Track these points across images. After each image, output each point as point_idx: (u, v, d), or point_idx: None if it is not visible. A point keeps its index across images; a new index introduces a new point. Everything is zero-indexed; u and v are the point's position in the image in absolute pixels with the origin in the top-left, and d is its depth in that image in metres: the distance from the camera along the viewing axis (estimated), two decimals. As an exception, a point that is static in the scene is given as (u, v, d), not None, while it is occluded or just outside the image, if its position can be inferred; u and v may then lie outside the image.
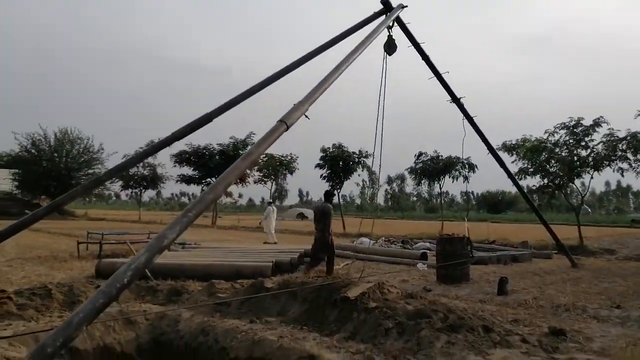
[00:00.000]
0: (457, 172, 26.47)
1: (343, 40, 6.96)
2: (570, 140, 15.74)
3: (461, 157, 25.13)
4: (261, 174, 36.65)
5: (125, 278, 2.77)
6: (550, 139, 16.18)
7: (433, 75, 9.05)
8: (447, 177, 26.90)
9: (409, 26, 8.16)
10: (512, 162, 16.73)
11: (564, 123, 15.79)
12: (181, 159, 34.19)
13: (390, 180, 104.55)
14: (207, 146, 34.05)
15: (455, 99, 9.53)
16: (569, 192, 18.83)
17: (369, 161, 32.12)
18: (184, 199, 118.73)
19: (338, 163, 32.19)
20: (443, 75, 9.14)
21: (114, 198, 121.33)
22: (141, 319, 5.41)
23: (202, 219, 34.25)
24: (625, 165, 15.22)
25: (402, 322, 4.58)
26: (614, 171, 15.55)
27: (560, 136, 15.97)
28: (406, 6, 7.69)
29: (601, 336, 4.98)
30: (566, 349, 4.28)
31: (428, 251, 12.90)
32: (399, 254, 12.96)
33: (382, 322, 4.61)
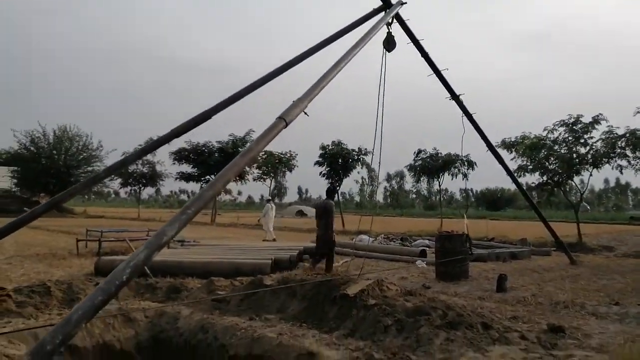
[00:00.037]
0: (456, 170, 26.48)
1: (342, 37, 6.95)
2: (570, 138, 15.75)
3: (460, 154, 25.14)
4: (260, 172, 36.66)
5: (124, 275, 2.77)
6: (549, 136, 16.20)
7: (432, 72, 9.05)
8: (446, 174, 26.91)
9: (408, 23, 8.16)
10: (511, 159, 16.77)
11: (563, 120, 15.80)
12: (180, 156, 34.18)
13: (389, 178, 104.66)
14: (206, 143, 34.03)
15: (455, 96, 9.53)
16: (567, 189, 18.86)
17: (368, 158, 32.20)
18: (183, 197, 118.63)
19: (337, 160, 32.19)
20: (442, 72, 9.15)
21: (113, 195, 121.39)
22: (140, 317, 5.41)
23: (202, 217, 34.23)
24: (624, 163, 15.25)
25: (401, 319, 4.59)
26: (612, 168, 15.60)
27: (560, 133, 15.99)
28: (405, 2, 7.68)
29: (600, 333, 4.99)
30: (565, 346, 4.29)
31: (427, 248, 12.91)
32: (398, 252, 12.98)
33: (381, 319, 4.62)
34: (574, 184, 17.35)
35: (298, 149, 41.40)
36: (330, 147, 32.52)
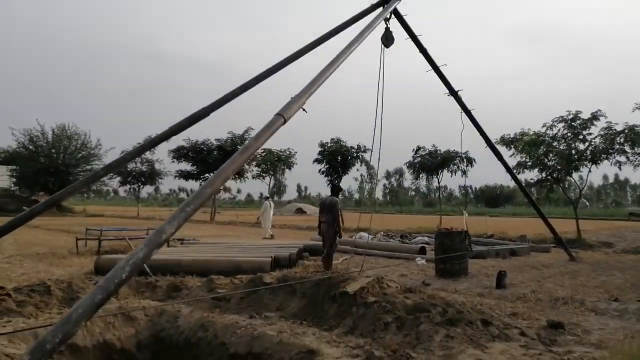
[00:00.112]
0: (455, 167, 26.49)
1: (340, 33, 6.94)
2: (569, 134, 15.74)
3: (459, 151, 25.13)
4: (259, 169, 36.67)
5: (124, 273, 2.77)
6: (548, 132, 16.19)
7: (431, 68, 9.04)
8: (445, 171, 26.92)
9: (406, 18, 8.14)
10: (510, 155, 16.76)
11: (562, 116, 15.79)
12: (179, 154, 34.18)
13: (388, 175, 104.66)
14: (205, 141, 34.03)
15: (453, 92, 9.52)
16: (567, 185, 18.88)
17: (367, 156, 32.26)
18: (183, 195, 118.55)
19: (336, 158, 32.23)
20: (441, 68, 9.13)
21: (112, 194, 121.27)
22: (141, 315, 5.41)
23: (201, 215, 34.24)
24: (623, 159, 15.25)
25: (401, 317, 4.59)
26: (611, 164, 15.59)
27: (558, 130, 15.98)
28: (403, -3, 7.67)
29: (599, 329, 5.01)
30: (564, 342, 4.30)
31: (426, 245, 12.92)
32: (397, 249, 12.99)
33: (381, 317, 4.62)
34: (573, 180, 17.40)
35: (297, 147, 41.41)
36: (329, 145, 32.56)
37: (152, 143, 6.88)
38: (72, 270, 9.29)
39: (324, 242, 9.25)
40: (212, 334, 4.85)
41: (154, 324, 5.35)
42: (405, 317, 4.57)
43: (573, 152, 15.61)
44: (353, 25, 6.99)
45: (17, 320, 5.00)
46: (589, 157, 15.44)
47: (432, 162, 26.61)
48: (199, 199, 3.39)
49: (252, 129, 33.05)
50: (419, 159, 27.41)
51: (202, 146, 33.89)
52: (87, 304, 2.60)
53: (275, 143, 38.75)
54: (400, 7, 7.87)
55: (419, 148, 27.60)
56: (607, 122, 15.10)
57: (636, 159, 15.15)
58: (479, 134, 10.28)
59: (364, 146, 31.92)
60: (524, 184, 13.99)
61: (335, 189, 9.73)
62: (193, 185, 37.84)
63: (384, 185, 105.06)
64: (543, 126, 16.27)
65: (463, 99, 9.65)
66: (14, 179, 41.41)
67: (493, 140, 11.30)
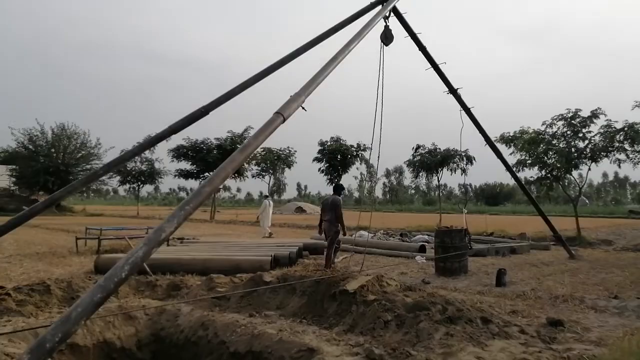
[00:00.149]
0: (455, 165, 26.49)
1: (340, 31, 6.93)
2: (568, 132, 15.74)
3: (459, 149, 25.11)
4: (259, 168, 36.68)
5: (123, 272, 2.76)
6: (548, 130, 16.18)
7: (430, 66, 9.03)
8: (445, 169, 26.92)
9: (405, 16, 8.13)
10: (510, 154, 16.76)
11: (562, 114, 15.77)
12: (179, 153, 34.17)
13: (388, 173, 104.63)
14: (204, 140, 34.01)
15: (452, 90, 9.52)
16: (566, 183, 18.87)
17: (367, 154, 32.26)
18: (182, 194, 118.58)
19: (336, 157, 32.22)
20: (440, 66, 9.13)
21: (112, 193, 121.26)
22: (141, 314, 5.41)
23: (201, 214, 34.25)
24: (622, 157, 15.24)
25: (401, 315, 4.59)
26: (611, 162, 15.58)
27: (558, 128, 15.97)
28: (402, -5, 7.67)
29: (599, 326, 5.01)
30: (564, 340, 4.30)
31: (426, 244, 12.93)
32: (397, 247, 12.99)
33: (381, 315, 4.62)
34: (572, 178, 17.37)
35: (297, 146, 41.40)
36: (329, 144, 32.56)
37: (152, 142, 6.87)
38: (72, 269, 9.29)
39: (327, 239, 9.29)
40: (212, 332, 4.86)
41: (154, 323, 5.35)
42: (405, 315, 4.57)
43: (573, 150, 15.61)
44: (352, 24, 6.98)
45: (17, 319, 5.00)
46: (589, 155, 15.44)
47: (431, 161, 26.60)
48: (198, 197, 3.38)
49: (252, 127, 33.06)
50: (418, 157, 27.40)
51: (202, 145, 33.89)
52: (86, 302, 2.60)
53: (275, 142, 38.78)
54: (400, 5, 7.87)
55: (418, 146, 27.58)
56: (607, 120, 15.11)
57: (636, 156, 15.15)
58: (478, 132, 10.29)
59: (364, 145, 31.93)
60: (523, 182, 13.99)
61: (338, 188, 9.76)
62: (193, 184, 37.86)
63: (384, 184, 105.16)
64: (543, 124, 16.27)
65: (462, 97, 9.65)
66: (14, 179, 41.37)
67: (493, 139, 11.31)
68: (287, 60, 6.69)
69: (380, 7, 7.14)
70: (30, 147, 39.56)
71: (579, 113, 15.46)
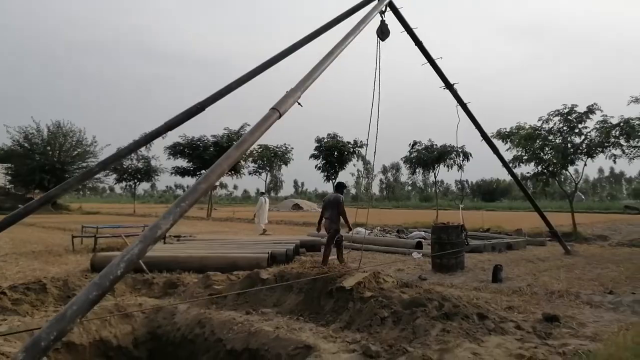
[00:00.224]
0: (451, 161, 26.51)
1: (336, 26, 6.91)
2: (564, 127, 15.76)
3: (455, 145, 25.10)
4: (256, 165, 36.63)
5: (119, 270, 2.76)
6: (544, 126, 16.20)
7: (426, 61, 9.02)
8: (441, 166, 26.94)
9: (401, 11, 8.11)
10: (507, 150, 16.78)
11: (558, 110, 15.80)
12: (175, 150, 34.06)
13: (385, 170, 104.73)
14: (201, 138, 33.92)
15: (449, 85, 9.52)
16: (562, 179, 18.90)
17: (363, 151, 32.26)
18: (179, 191, 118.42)
19: (333, 153, 32.21)
20: (436, 61, 9.12)
21: (108, 191, 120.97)
22: (137, 312, 5.40)
23: (198, 211, 34.21)
24: (618, 152, 15.28)
25: (398, 311, 4.60)
26: (607, 158, 15.62)
27: (554, 123, 16.00)
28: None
29: (594, 321, 5.03)
30: (560, 335, 4.32)
31: (423, 240, 12.94)
32: (394, 244, 13.00)
33: (378, 312, 4.62)
34: (568, 173, 17.40)
35: (294, 143, 41.37)
36: (325, 140, 32.54)
37: (148, 139, 6.83)
38: (68, 268, 9.26)
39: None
40: (209, 330, 4.85)
41: (150, 321, 5.34)
42: (401, 312, 4.58)
43: (569, 145, 15.64)
44: (349, 18, 6.96)
45: (13, 318, 4.99)
46: (585, 150, 15.47)
47: (428, 157, 26.59)
48: (194, 194, 3.37)
49: (248, 124, 32.98)
50: (415, 154, 27.39)
51: (198, 142, 33.79)
52: (81, 300, 2.59)
53: (271, 139, 38.75)
54: (396, 0, 7.85)
55: (415, 143, 27.57)
56: (603, 115, 15.15)
57: (631, 152, 15.19)
58: (475, 127, 10.29)
59: (360, 141, 31.93)
60: (520, 178, 14.02)
61: (340, 186, 9.83)
62: (189, 181, 37.80)
63: (381, 180, 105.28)
64: (539, 120, 16.30)
65: (459, 93, 9.65)
66: (9, 177, 41.20)
67: (489, 134, 11.31)
68: (283, 55, 6.67)
69: (376, 1, 7.13)
70: (26, 145, 39.37)
71: (575, 108, 15.49)
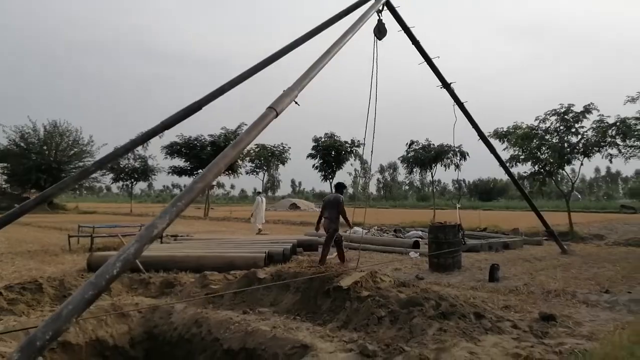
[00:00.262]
0: (448, 161, 26.57)
1: (333, 25, 6.89)
2: (561, 127, 15.80)
3: (452, 144, 25.18)
4: (253, 165, 36.60)
5: (115, 269, 2.74)
6: (541, 125, 16.24)
7: (423, 60, 9.02)
8: (438, 165, 27.00)
9: (399, 10, 8.10)
10: (504, 149, 16.82)
11: (555, 109, 15.84)
12: (172, 150, 33.98)
13: (382, 169, 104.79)
14: (198, 137, 33.85)
15: (446, 84, 9.52)
16: (559, 178, 18.97)
17: (360, 150, 32.31)
18: (176, 191, 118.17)
19: (330, 153, 32.24)
20: (433, 61, 9.12)
21: (105, 191, 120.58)
22: (134, 312, 5.38)
23: (195, 211, 34.15)
24: (614, 151, 15.34)
25: (395, 311, 4.60)
26: (603, 157, 15.68)
27: (551, 123, 16.04)
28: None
29: (590, 321, 5.05)
30: (556, 334, 4.33)
31: (420, 239, 12.96)
32: (391, 243, 13.01)
33: (375, 311, 4.62)
34: (565, 173, 17.47)
35: (291, 143, 41.37)
36: (323, 140, 32.56)
37: (144, 138, 6.80)
38: (65, 267, 9.23)
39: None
40: (206, 329, 4.84)
41: (147, 321, 5.33)
42: (398, 311, 4.58)
43: (565, 145, 15.69)
44: (345, 18, 6.94)
45: (9, 318, 4.96)
46: (581, 150, 15.52)
47: (425, 156, 26.67)
48: (190, 193, 3.36)
49: (245, 124, 32.93)
50: (412, 153, 27.45)
51: (195, 142, 33.71)
52: (77, 300, 2.58)
53: (268, 138, 38.73)
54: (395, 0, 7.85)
55: (412, 142, 27.64)
56: (600, 115, 15.19)
57: (628, 151, 15.25)
58: (472, 127, 10.30)
59: (358, 140, 31.97)
60: (517, 178, 14.05)
61: (340, 187, 9.87)
62: (186, 181, 37.74)
63: (378, 180, 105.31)
64: (536, 119, 16.34)
65: (456, 92, 9.65)
66: (5, 177, 41.06)
67: (486, 134, 11.32)
68: (281, 54, 6.64)
69: (373, 1, 7.11)
70: (22, 144, 39.24)
71: (571, 108, 15.54)
